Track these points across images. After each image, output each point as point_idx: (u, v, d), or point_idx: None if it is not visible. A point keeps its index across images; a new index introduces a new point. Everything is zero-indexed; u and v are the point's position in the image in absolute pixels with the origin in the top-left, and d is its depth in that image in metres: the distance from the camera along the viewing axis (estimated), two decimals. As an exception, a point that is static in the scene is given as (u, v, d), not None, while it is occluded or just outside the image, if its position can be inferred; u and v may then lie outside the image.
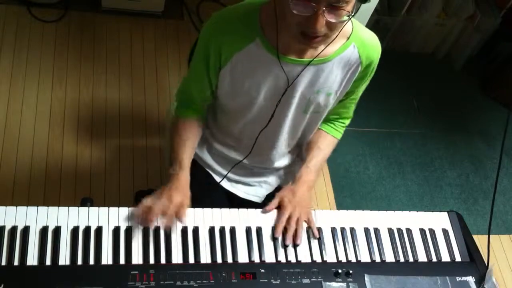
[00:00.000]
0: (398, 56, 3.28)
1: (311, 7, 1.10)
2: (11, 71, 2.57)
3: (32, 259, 1.21)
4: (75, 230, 1.26)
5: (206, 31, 1.35)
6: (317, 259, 1.35)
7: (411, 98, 3.14)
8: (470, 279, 1.39)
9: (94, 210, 1.31)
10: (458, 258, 1.45)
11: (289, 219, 1.38)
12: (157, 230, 1.32)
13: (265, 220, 1.40)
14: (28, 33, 2.72)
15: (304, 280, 1.29)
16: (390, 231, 1.45)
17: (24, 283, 1.17)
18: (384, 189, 2.71)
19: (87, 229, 1.27)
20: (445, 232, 1.49)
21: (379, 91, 2.99)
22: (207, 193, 1.64)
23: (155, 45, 2.86)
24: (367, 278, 1.33)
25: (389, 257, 1.40)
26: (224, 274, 1.26)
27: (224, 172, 1.64)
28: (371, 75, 1.45)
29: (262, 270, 1.29)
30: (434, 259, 1.43)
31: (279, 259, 1.33)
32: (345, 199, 2.61)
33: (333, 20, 1.12)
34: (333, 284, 1.30)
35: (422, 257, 1.43)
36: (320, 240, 1.39)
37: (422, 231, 1.47)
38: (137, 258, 1.26)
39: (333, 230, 1.41)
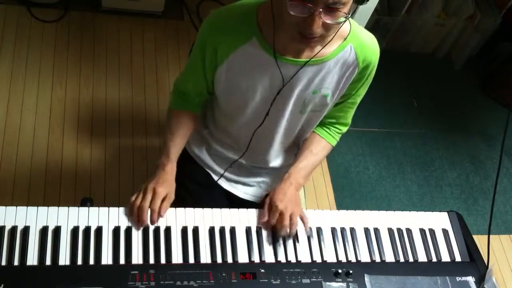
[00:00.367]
0: (398, 56, 3.28)
1: (307, 8, 1.10)
2: (11, 71, 2.57)
3: (32, 259, 1.21)
4: (75, 230, 1.26)
5: (203, 28, 1.36)
6: (317, 259, 1.35)
7: (411, 98, 3.14)
8: (470, 279, 1.39)
9: (94, 210, 1.31)
10: (458, 258, 1.45)
11: (283, 218, 1.38)
12: (157, 230, 1.32)
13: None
14: (28, 33, 2.72)
15: (304, 280, 1.29)
16: (390, 231, 1.45)
17: (24, 283, 1.17)
18: (384, 189, 2.71)
19: (87, 229, 1.27)
20: (445, 232, 1.49)
21: (379, 91, 2.99)
22: (207, 193, 1.64)
23: (155, 45, 2.86)
24: (367, 278, 1.33)
25: (389, 257, 1.40)
26: (224, 274, 1.26)
27: (223, 171, 1.64)
28: (370, 80, 1.43)
29: (262, 270, 1.29)
30: (434, 259, 1.43)
31: (279, 259, 1.33)
32: (345, 199, 2.61)
33: (329, 22, 1.12)
34: (333, 284, 1.30)
35: (422, 257, 1.43)
36: (320, 240, 1.39)
37: (422, 231, 1.47)
38: (137, 258, 1.26)
39: (333, 230, 1.41)
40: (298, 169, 1.50)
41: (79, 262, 1.23)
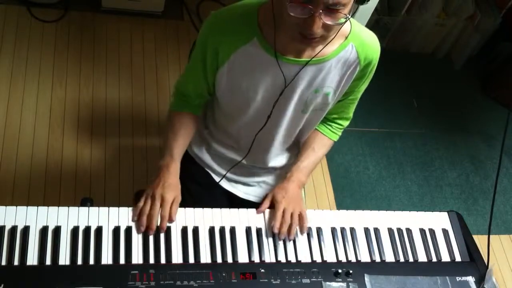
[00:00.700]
0: (398, 56, 3.28)
1: (308, 9, 1.10)
2: (11, 71, 2.57)
3: (32, 259, 1.21)
4: (75, 230, 1.26)
5: (204, 29, 1.36)
6: (317, 259, 1.35)
7: (411, 98, 3.14)
8: (470, 279, 1.39)
9: (94, 210, 1.31)
10: (458, 258, 1.45)
11: (283, 214, 1.39)
12: (157, 230, 1.31)
13: (265, 220, 1.40)
14: (28, 33, 2.72)
15: (304, 280, 1.29)
16: (390, 231, 1.45)
17: (24, 283, 1.17)
18: (384, 189, 2.71)
19: (87, 229, 1.27)
20: (445, 232, 1.49)
21: (379, 91, 2.99)
22: (207, 193, 1.64)
23: (155, 45, 2.86)
24: (367, 278, 1.33)
25: (389, 257, 1.40)
26: (224, 274, 1.26)
27: (224, 172, 1.64)
28: (370, 76, 1.44)
29: (262, 270, 1.29)
30: (434, 259, 1.43)
31: (279, 259, 1.33)
32: (345, 199, 2.61)
33: (330, 23, 1.13)
34: (333, 284, 1.30)
35: (422, 257, 1.43)
36: (320, 240, 1.39)
37: (422, 231, 1.47)
38: (137, 258, 1.26)
39: (333, 230, 1.41)
40: (301, 168, 1.51)
41: (79, 262, 1.22)
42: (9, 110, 2.45)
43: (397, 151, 2.88)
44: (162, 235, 1.31)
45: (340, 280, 1.31)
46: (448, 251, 1.46)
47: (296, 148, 1.65)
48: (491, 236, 1.46)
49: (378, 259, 1.39)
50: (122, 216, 1.32)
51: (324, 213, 1.45)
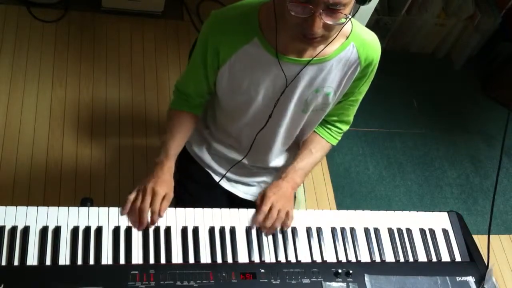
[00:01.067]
0: (398, 56, 3.28)
1: (308, 9, 1.10)
2: (11, 71, 2.57)
3: (32, 259, 1.21)
4: (75, 230, 1.26)
5: (204, 29, 1.36)
6: (317, 259, 1.35)
7: (411, 98, 3.14)
8: (470, 279, 1.39)
9: (94, 210, 1.31)
10: (458, 258, 1.45)
11: (270, 209, 1.38)
12: (157, 230, 1.32)
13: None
14: (28, 33, 2.72)
15: (304, 280, 1.29)
16: (390, 231, 1.45)
17: (24, 283, 1.17)
18: (384, 189, 2.71)
19: (87, 229, 1.27)
20: (445, 232, 1.49)
21: (379, 91, 2.98)
22: (207, 193, 1.64)
23: (155, 45, 2.86)
24: (367, 278, 1.33)
25: (389, 257, 1.40)
26: (224, 274, 1.26)
27: (224, 172, 1.64)
28: (371, 77, 1.44)
29: (262, 270, 1.29)
30: (434, 259, 1.43)
31: (279, 259, 1.33)
32: (345, 199, 2.61)
33: (330, 22, 1.13)
34: (333, 284, 1.30)
35: (422, 257, 1.43)
36: (320, 240, 1.39)
37: (422, 231, 1.47)
38: (137, 258, 1.26)
39: (333, 230, 1.41)
40: (296, 169, 1.50)
41: (79, 262, 1.22)
42: (9, 110, 2.45)
43: (397, 151, 2.88)
44: (162, 235, 1.31)
45: (340, 280, 1.31)
46: (448, 251, 1.46)
47: (296, 148, 1.65)
48: (491, 236, 1.46)
49: (378, 259, 1.39)
50: (122, 216, 1.32)
51: (324, 213, 1.45)
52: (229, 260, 1.30)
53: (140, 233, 1.30)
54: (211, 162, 1.65)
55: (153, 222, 1.32)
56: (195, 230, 1.33)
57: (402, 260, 1.40)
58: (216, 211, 1.38)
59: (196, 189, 1.64)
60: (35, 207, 1.28)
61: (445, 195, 2.78)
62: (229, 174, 1.65)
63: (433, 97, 3.19)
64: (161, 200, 1.35)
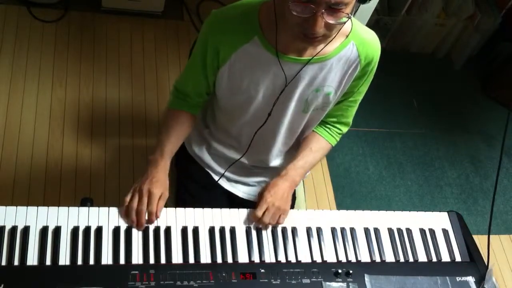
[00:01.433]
0: (398, 56, 3.28)
1: (310, 9, 1.10)
2: (11, 71, 2.57)
3: (32, 259, 1.21)
4: (75, 230, 1.26)
5: (204, 29, 1.36)
6: (317, 259, 1.35)
7: (411, 98, 3.14)
8: (470, 279, 1.39)
9: (94, 210, 1.31)
10: (458, 258, 1.45)
11: (263, 214, 1.37)
12: (157, 230, 1.32)
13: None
14: (28, 33, 2.72)
15: (304, 280, 1.29)
16: (390, 231, 1.45)
17: (24, 283, 1.17)
18: (384, 189, 2.71)
19: (87, 229, 1.27)
20: (445, 232, 1.49)
21: (379, 91, 2.99)
22: (207, 193, 1.64)
23: (155, 45, 2.86)
24: (367, 278, 1.33)
25: (389, 257, 1.40)
26: (224, 274, 1.26)
27: (223, 171, 1.64)
28: (371, 76, 1.44)
29: (262, 270, 1.29)
30: (434, 259, 1.43)
31: (279, 259, 1.33)
32: (345, 199, 2.61)
33: (332, 22, 1.13)
34: (333, 284, 1.30)
35: (422, 257, 1.43)
36: (320, 240, 1.39)
37: (422, 231, 1.47)
38: (137, 258, 1.26)
39: (333, 230, 1.41)
40: (296, 167, 1.49)
41: (79, 262, 1.22)
42: (9, 110, 2.45)
43: (397, 151, 2.88)
44: (162, 235, 1.31)
45: (340, 280, 1.31)
46: (448, 251, 1.46)
47: (296, 149, 1.65)
48: (491, 236, 1.46)
49: (378, 259, 1.39)
50: (123, 218, 1.32)
51: (324, 213, 1.45)
52: (229, 260, 1.30)
53: (140, 233, 1.30)
54: (211, 162, 1.65)
55: (150, 222, 1.32)
56: (195, 230, 1.33)
57: (402, 260, 1.40)
58: (216, 211, 1.38)
59: (196, 189, 1.64)
60: (35, 207, 1.28)
61: (445, 195, 2.78)
62: (229, 174, 1.65)
63: (433, 97, 3.19)
64: (158, 200, 1.34)
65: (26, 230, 1.24)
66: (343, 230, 1.42)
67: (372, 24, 2.97)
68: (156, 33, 2.91)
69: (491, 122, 3.16)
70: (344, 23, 1.15)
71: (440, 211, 1.53)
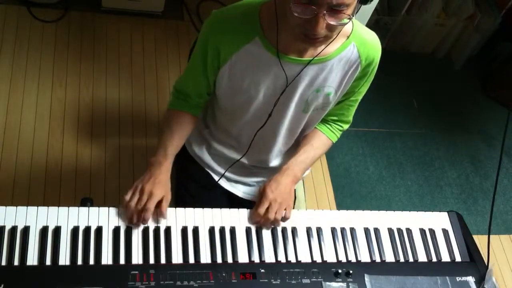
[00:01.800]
0: (398, 56, 3.28)
1: (311, 10, 1.10)
2: (11, 71, 2.57)
3: (32, 259, 1.21)
4: (75, 230, 1.26)
5: (205, 29, 1.35)
6: (317, 259, 1.35)
7: (411, 98, 3.14)
8: (470, 279, 1.39)
9: (94, 210, 1.31)
10: (458, 258, 1.45)
11: (267, 210, 1.37)
12: (157, 230, 1.32)
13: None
14: (28, 33, 2.72)
15: (304, 280, 1.29)
16: (390, 231, 1.45)
17: (24, 283, 1.17)
18: (384, 189, 2.71)
19: (87, 229, 1.27)
20: (445, 232, 1.49)
21: (379, 91, 2.99)
22: (207, 193, 1.64)
23: (155, 45, 2.86)
24: (367, 278, 1.33)
25: (389, 257, 1.40)
26: (224, 274, 1.26)
27: (223, 171, 1.64)
28: (371, 77, 1.44)
29: (262, 270, 1.29)
30: (434, 259, 1.43)
31: (279, 259, 1.33)
32: (345, 199, 2.61)
33: (333, 23, 1.13)
34: (333, 284, 1.30)
35: (422, 257, 1.43)
36: (320, 240, 1.39)
37: (422, 231, 1.47)
38: (137, 258, 1.26)
39: (333, 230, 1.41)
40: (298, 162, 1.49)
41: (79, 262, 1.22)
42: (9, 110, 2.45)
43: (397, 151, 2.88)
44: (162, 235, 1.31)
45: (340, 280, 1.31)
46: (448, 251, 1.46)
47: (295, 149, 1.65)
48: (491, 236, 1.46)
49: (378, 259, 1.39)
50: (122, 216, 1.32)
51: (324, 213, 1.45)
52: (229, 260, 1.30)
53: (140, 233, 1.30)
54: (211, 162, 1.65)
55: (145, 220, 1.30)
56: (195, 230, 1.33)
57: (402, 260, 1.40)
58: (216, 211, 1.38)
59: (196, 189, 1.64)
60: (35, 207, 1.28)
61: (445, 195, 2.78)
62: (229, 174, 1.65)
63: (433, 97, 3.19)
64: (158, 202, 1.34)
65: (26, 230, 1.24)
66: (343, 230, 1.42)
67: (372, 24, 2.98)
68: (156, 33, 2.91)
69: (491, 122, 3.16)
70: (346, 24, 1.15)
71: (440, 211, 1.53)
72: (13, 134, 2.38)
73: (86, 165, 2.37)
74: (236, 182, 1.67)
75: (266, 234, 1.37)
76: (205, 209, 1.38)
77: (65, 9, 2.84)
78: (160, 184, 1.37)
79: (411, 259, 1.41)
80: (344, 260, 1.37)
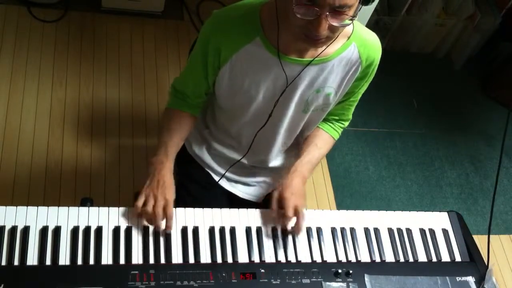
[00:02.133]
0: (398, 56, 3.28)
1: (314, 11, 1.10)
2: (11, 71, 2.57)
3: (32, 259, 1.21)
4: (75, 230, 1.26)
5: (206, 29, 1.35)
6: (317, 259, 1.35)
7: (411, 98, 3.14)
8: (470, 279, 1.39)
9: (94, 210, 1.31)
10: (458, 258, 1.45)
11: (295, 210, 1.37)
12: (157, 230, 1.32)
13: (265, 220, 1.40)
14: (28, 33, 2.72)
15: (304, 280, 1.29)
16: (390, 231, 1.45)
17: (24, 283, 1.17)
18: (384, 189, 2.71)
19: (87, 229, 1.27)
20: (445, 232, 1.49)
21: (379, 91, 2.99)
22: (207, 193, 1.64)
23: (155, 45, 2.86)
24: (367, 278, 1.33)
25: (389, 257, 1.40)
26: (224, 274, 1.26)
27: (224, 172, 1.64)
28: (371, 76, 1.44)
29: (262, 270, 1.29)
30: (434, 259, 1.43)
31: (279, 259, 1.33)
32: (345, 199, 2.61)
33: (335, 24, 1.13)
34: (333, 284, 1.30)
35: (422, 257, 1.43)
36: (320, 240, 1.39)
37: (422, 231, 1.47)
38: (137, 258, 1.26)
39: (333, 230, 1.41)
40: (304, 163, 1.50)
41: (79, 262, 1.23)
42: (9, 110, 2.45)
43: (397, 151, 2.88)
44: (162, 235, 1.31)
45: (340, 280, 1.31)
46: (448, 251, 1.46)
47: (295, 149, 1.65)
48: (491, 236, 1.46)
49: (378, 259, 1.39)
50: (122, 216, 1.32)
51: (324, 213, 1.45)
52: (229, 260, 1.30)
53: (140, 233, 1.30)
54: (211, 162, 1.65)
55: (168, 227, 1.31)
56: (195, 230, 1.33)
57: (402, 260, 1.40)
58: (216, 211, 1.38)
59: (196, 189, 1.64)
60: (35, 207, 1.28)
61: (445, 195, 2.78)
62: (229, 174, 1.65)
63: (433, 97, 3.19)
64: (164, 206, 1.33)
65: (26, 230, 1.24)
66: (343, 230, 1.42)
67: (372, 24, 2.97)
68: (156, 33, 2.91)
69: (491, 122, 3.16)
70: (348, 25, 1.16)
71: (440, 211, 1.53)
72: (13, 134, 2.38)
73: (86, 165, 2.37)
74: (236, 182, 1.67)
75: (266, 234, 1.37)
76: (205, 209, 1.38)
77: (65, 9, 2.84)
78: (169, 187, 1.37)
79: (411, 259, 1.41)
80: (344, 260, 1.37)
